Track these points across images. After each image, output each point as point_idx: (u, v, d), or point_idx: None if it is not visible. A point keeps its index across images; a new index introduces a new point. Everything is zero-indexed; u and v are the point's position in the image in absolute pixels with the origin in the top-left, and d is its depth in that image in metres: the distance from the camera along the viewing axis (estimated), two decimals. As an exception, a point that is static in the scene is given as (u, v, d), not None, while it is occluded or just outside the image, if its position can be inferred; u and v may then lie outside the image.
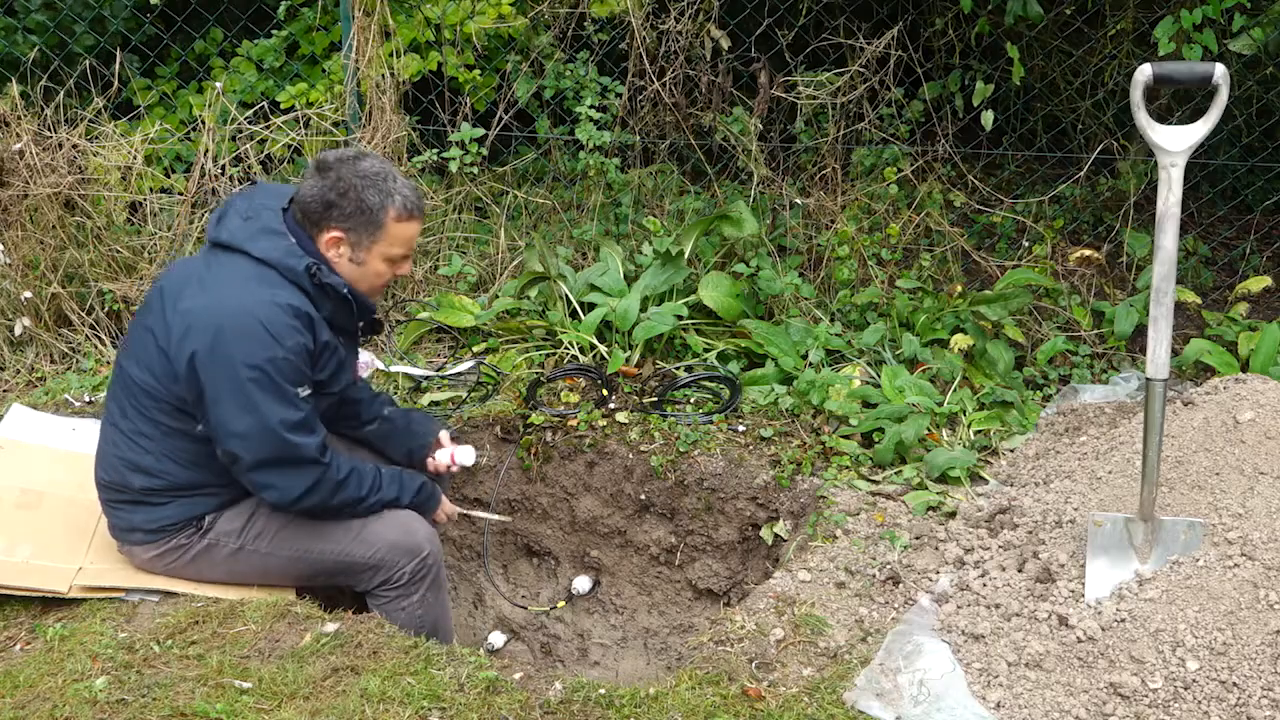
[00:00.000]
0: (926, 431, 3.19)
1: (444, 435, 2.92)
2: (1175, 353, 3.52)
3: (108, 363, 3.79)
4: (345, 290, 2.44)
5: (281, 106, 4.41)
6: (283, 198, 2.49)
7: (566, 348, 3.75)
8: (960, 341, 3.54)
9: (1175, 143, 2.30)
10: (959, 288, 3.85)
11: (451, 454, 2.88)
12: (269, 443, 2.36)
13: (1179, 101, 4.35)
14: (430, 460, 2.88)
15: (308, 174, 2.43)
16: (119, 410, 2.52)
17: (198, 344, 2.31)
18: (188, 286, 2.39)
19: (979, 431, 3.29)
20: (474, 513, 3.13)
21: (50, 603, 2.55)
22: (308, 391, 2.42)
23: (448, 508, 2.85)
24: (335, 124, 4.24)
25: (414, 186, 2.46)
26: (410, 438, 2.88)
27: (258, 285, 2.34)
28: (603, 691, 2.28)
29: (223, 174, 4.02)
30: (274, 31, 4.58)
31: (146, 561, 2.60)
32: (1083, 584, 2.43)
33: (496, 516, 3.22)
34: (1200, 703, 2.16)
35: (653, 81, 4.10)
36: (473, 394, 3.56)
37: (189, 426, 2.44)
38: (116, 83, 4.05)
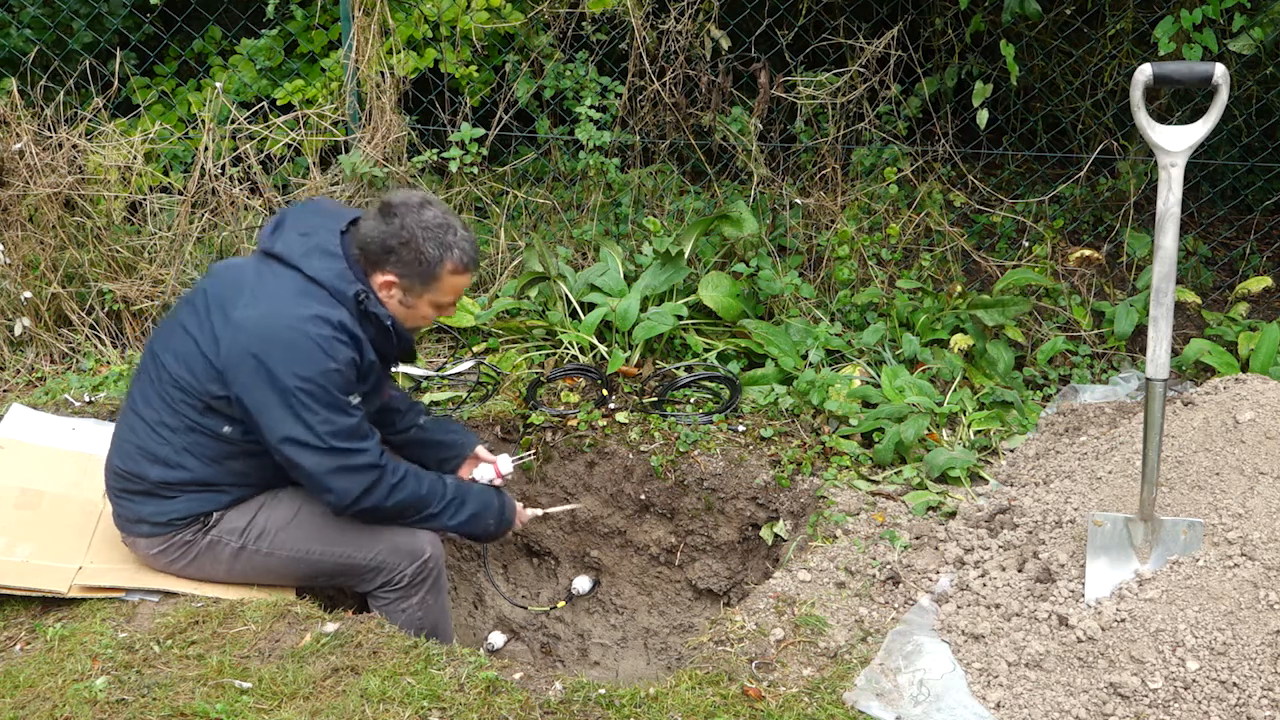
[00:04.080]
0: (926, 431, 3.19)
1: (480, 450, 2.95)
2: (1175, 353, 3.52)
3: (108, 362, 3.79)
4: (389, 323, 2.49)
5: (279, 104, 4.40)
6: (341, 220, 2.51)
7: (566, 348, 3.75)
8: (960, 341, 3.54)
9: (1175, 143, 2.30)
10: (959, 288, 3.85)
11: (495, 467, 2.91)
12: (325, 449, 2.39)
13: (1179, 101, 4.35)
14: (469, 477, 2.91)
15: (371, 213, 2.46)
16: (143, 399, 2.52)
17: (250, 357, 2.34)
18: (240, 295, 2.40)
19: (979, 431, 3.29)
20: (550, 510, 3.15)
21: (50, 603, 2.55)
22: (358, 399, 2.46)
23: (523, 515, 2.90)
24: (335, 124, 4.24)
25: (472, 239, 2.50)
26: (443, 449, 2.90)
27: (308, 300, 2.37)
28: (603, 691, 2.28)
29: (223, 174, 4.02)
30: (265, 31, 4.57)
31: (149, 557, 2.60)
32: (1083, 584, 2.43)
33: (568, 506, 3.24)
34: (1200, 703, 2.16)
35: (653, 81, 4.10)
36: (473, 394, 3.56)
37: (215, 425, 2.46)
38: (116, 82, 4.05)
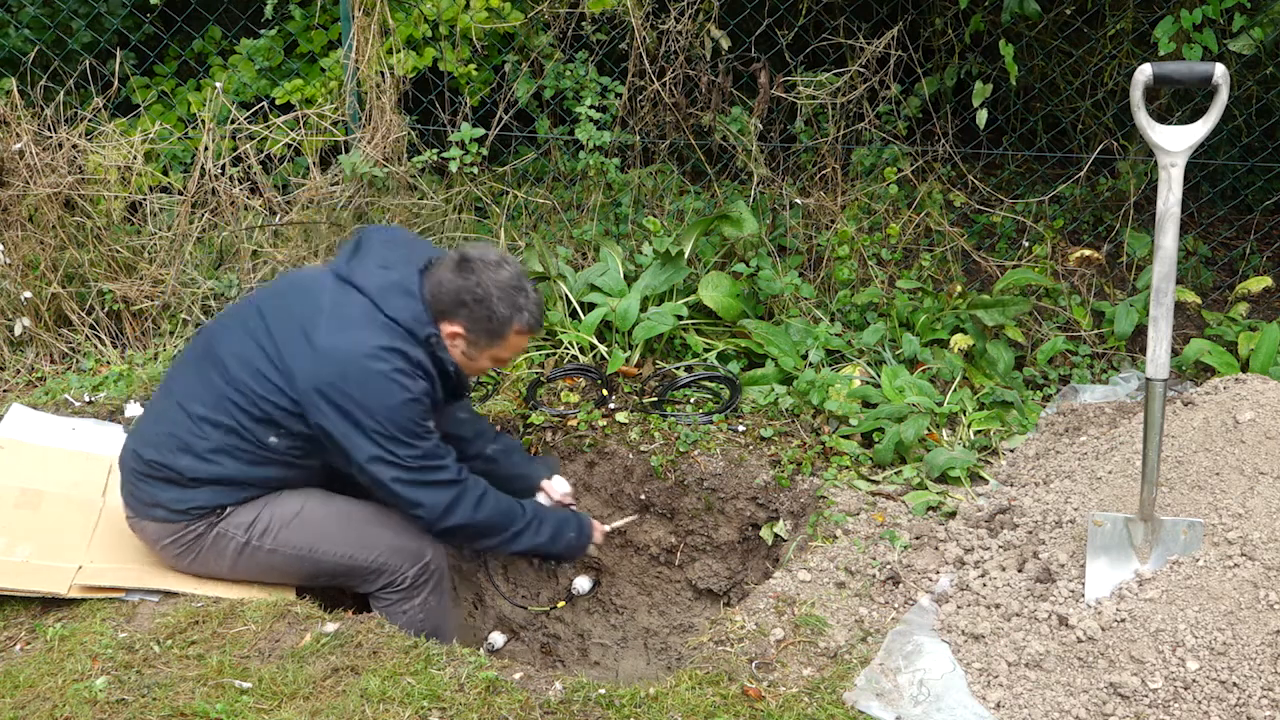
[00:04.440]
0: (926, 431, 3.19)
1: (546, 484, 2.99)
2: (1175, 353, 3.52)
3: (108, 362, 3.79)
4: (451, 368, 2.53)
5: (279, 104, 4.40)
6: (420, 257, 2.54)
7: (566, 348, 3.75)
8: (960, 341, 3.54)
9: (1175, 143, 2.30)
10: (959, 288, 3.85)
11: (550, 493, 2.96)
12: (409, 467, 2.45)
13: (1179, 101, 4.35)
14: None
15: (448, 262, 2.50)
16: (189, 392, 2.53)
17: (333, 387, 2.38)
18: (318, 319, 2.43)
19: (979, 431, 3.29)
20: (616, 524, 3.19)
21: (50, 603, 2.55)
22: (432, 423, 2.51)
23: (600, 529, 2.95)
24: (335, 123, 4.24)
25: (541, 302, 2.57)
26: (512, 481, 2.92)
27: (388, 334, 2.42)
28: (603, 691, 2.28)
29: (223, 174, 4.02)
30: (265, 31, 4.57)
31: (156, 546, 2.61)
32: (1083, 584, 2.43)
33: (632, 518, 3.28)
34: (1200, 703, 2.16)
35: (653, 81, 4.10)
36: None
37: (262, 434, 2.49)
38: (116, 82, 4.05)
